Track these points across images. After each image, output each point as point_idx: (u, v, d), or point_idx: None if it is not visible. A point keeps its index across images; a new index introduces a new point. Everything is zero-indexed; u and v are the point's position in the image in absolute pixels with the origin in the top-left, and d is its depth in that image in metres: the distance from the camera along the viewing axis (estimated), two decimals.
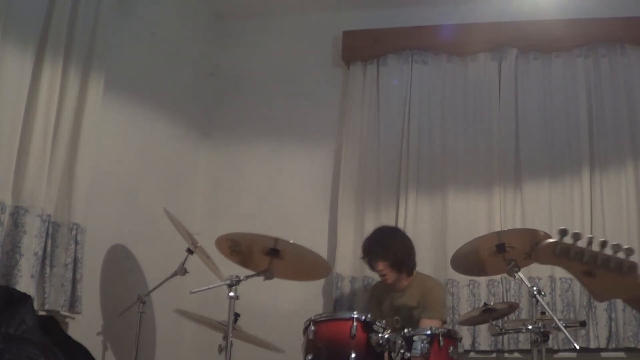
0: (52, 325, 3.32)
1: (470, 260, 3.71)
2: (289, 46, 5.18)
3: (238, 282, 3.40)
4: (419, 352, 3.22)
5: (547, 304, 3.71)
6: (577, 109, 4.50)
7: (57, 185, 3.48)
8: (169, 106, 4.67)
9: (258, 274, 3.57)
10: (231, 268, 3.68)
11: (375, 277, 4.18)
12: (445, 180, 4.57)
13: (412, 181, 4.57)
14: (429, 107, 4.72)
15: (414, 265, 4.05)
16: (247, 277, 3.49)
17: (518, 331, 3.71)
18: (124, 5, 4.06)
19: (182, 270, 3.80)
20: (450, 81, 4.76)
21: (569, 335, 3.16)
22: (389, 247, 3.97)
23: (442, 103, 4.71)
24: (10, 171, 3.22)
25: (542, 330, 3.21)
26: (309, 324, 3.41)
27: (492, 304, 3.72)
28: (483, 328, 4.17)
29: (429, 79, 4.78)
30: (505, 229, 4.21)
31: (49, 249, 3.41)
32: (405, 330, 3.33)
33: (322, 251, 4.50)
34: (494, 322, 3.62)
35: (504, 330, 3.57)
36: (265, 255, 3.62)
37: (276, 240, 3.55)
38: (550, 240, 1.73)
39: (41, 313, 3.34)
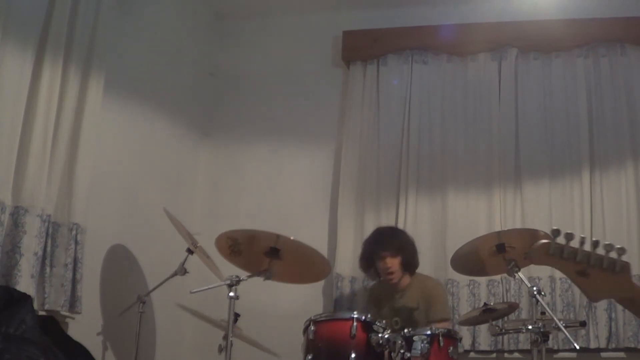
0: (52, 325, 3.31)
1: (470, 260, 3.71)
2: (289, 46, 5.18)
3: (238, 282, 3.40)
4: (419, 352, 3.21)
5: (547, 304, 3.71)
6: (577, 109, 4.50)
7: (57, 185, 3.48)
8: (169, 106, 4.66)
9: (258, 274, 3.57)
10: (231, 268, 3.69)
11: None
12: (445, 180, 4.57)
13: (412, 181, 4.57)
14: (429, 107, 4.72)
15: (417, 265, 4.05)
16: (248, 277, 3.49)
17: (518, 331, 3.71)
18: (124, 5, 4.06)
19: (182, 270, 3.80)
20: (450, 81, 4.76)
21: (569, 335, 3.16)
22: (400, 245, 3.97)
23: (442, 103, 4.72)
24: (10, 171, 3.22)
25: (542, 330, 3.21)
26: (309, 324, 3.40)
27: (492, 304, 3.72)
28: (483, 328, 4.17)
29: (429, 79, 4.78)
30: (505, 229, 4.21)
31: (49, 249, 3.40)
32: (405, 330, 3.33)
33: (322, 251, 4.46)
34: (494, 322, 3.62)
35: (504, 330, 3.56)
36: (265, 256, 3.62)
37: (277, 236, 3.55)
38: (544, 240, 1.74)
39: (41, 313, 3.33)
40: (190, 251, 3.80)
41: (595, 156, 4.43)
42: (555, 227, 1.74)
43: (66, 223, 3.48)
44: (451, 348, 3.34)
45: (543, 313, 3.26)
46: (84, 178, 3.57)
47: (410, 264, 3.99)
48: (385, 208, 4.59)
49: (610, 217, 4.30)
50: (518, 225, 4.31)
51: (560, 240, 1.74)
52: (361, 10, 5.03)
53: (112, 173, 4.02)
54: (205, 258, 3.81)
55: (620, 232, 4.23)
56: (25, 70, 3.28)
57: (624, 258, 1.77)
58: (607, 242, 1.76)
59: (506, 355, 4.27)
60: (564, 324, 3.19)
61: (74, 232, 3.48)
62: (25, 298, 3.02)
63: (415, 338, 3.26)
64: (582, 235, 1.75)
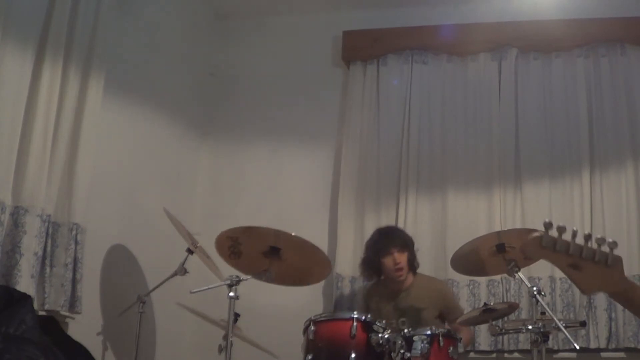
0: (52, 325, 3.31)
1: (470, 260, 3.71)
2: (289, 46, 5.18)
3: (238, 282, 3.40)
4: (419, 352, 3.22)
5: (547, 304, 3.72)
6: (577, 109, 4.50)
7: (57, 185, 3.48)
8: (168, 106, 4.66)
9: (258, 275, 3.57)
10: (231, 268, 3.69)
11: None
12: (445, 180, 4.57)
13: (412, 181, 4.57)
14: (429, 107, 4.72)
15: (419, 264, 4.07)
16: (247, 277, 3.49)
17: (518, 331, 3.71)
18: (124, 5, 4.06)
19: (182, 270, 3.80)
20: (450, 81, 4.76)
21: (569, 336, 3.16)
22: (406, 241, 3.98)
23: (442, 103, 4.72)
24: (10, 171, 3.22)
25: (542, 330, 3.21)
26: (309, 324, 3.41)
27: (492, 304, 3.71)
28: (483, 328, 4.17)
29: (429, 79, 4.78)
30: (505, 229, 4.21)
31: (49, 249, 3.40)
32: (405, 330, 3.33)
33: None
34: (494, 322, 3.62)
35: (504, 331, 3.56)
36: (264, 257, 3.62)
37: (277, 233, 3.54)
38: (536, 234, 1.75)
39: (41, 313, 3.33)
40: (190, 251, 3.80)
41: (595, 156, 4.43)
42: (547, 220, 1.74)
43: (66, 223, 3.48)
44: (451, 348, 3.34)
45: (543, 313, 3.27)
46: (84, 178, 3.57)
47: (414, 261, 4.01)
48: (385, 208, 4.59)
49: (610, 217, 4.30)
50: (518, 225, 4.31)
51: (553, 232, 1.75)
52: (361, 10, 5.03)
53: (112, 173, 4.02)
54: (205, 258, 3.81)
55: (620, 232, 4.23)
56: (25, 70, 3.28)
57: (616, 252, 1.79)
58: (598, 236, 1.77)
59: (506, 355, 4.27)
60: (564, 324, 3.20)
61: (74, 232, 3.48)
62: (25, 298, 3.02)
63: (415, 338, 3.26)
64: (574, 229, 1.76)
